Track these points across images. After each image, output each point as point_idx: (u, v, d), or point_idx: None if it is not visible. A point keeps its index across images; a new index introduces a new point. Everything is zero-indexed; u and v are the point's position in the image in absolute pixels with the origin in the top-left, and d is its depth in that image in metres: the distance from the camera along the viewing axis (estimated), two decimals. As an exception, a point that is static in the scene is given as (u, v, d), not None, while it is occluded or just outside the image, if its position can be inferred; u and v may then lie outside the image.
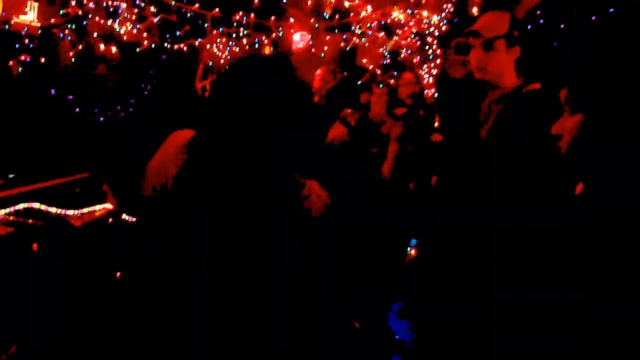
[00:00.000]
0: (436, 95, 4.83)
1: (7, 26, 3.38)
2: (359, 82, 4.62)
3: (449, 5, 3.72)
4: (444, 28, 3.94)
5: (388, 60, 4.50)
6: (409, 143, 3.31)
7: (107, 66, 4.47)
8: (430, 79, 4.85)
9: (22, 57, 3.63)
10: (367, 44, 4.28)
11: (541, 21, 3.46)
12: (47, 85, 4.34)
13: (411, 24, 4.23)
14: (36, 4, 3.55)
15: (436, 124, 4.46)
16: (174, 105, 5.06)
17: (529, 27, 3.50)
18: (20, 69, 3.78)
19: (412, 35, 4.28)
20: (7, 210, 2.75)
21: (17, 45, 3.62)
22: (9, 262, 2.48)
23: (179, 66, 4.82)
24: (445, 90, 4.62)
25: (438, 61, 4.51)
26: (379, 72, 4.32)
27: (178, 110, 5.12)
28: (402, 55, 4.46)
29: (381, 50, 4.44)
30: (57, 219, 2.94)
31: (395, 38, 4.39)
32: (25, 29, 3.54)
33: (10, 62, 3.80)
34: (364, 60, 4.53)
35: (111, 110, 4.69)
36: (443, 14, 3.88)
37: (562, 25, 3.37)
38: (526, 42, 1.75)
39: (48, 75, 4.17)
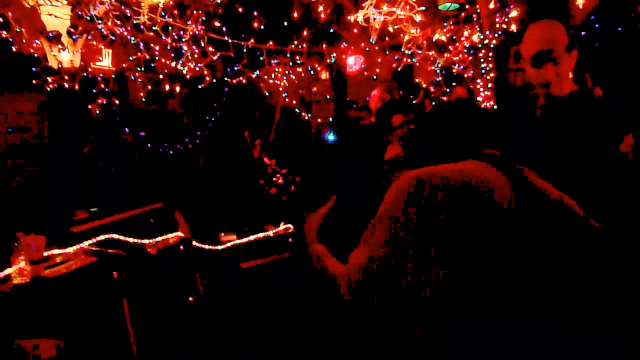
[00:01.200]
0: (495, 107, 4.74)
1: (85, 73, 3.70)
2: (414, 100, 4.64)
3: (501, 19, 3.68)
4: (495, 42, 3.90)
5: (440, 78, 4.49)
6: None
7: (175, 103, 4.79)
8: (487, 92, 4.77)
9: (100, 100, 3.97)
10: (418, 63, 4.30)
11: (597, 25, 3.34)
12: (122, 124, 4.70)
13: (462, 39, 4.21)
14: (110, 51, 3.86)
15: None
16: (236, 136, 5.29)
17: (582, 33, 3.39)
18: (98, 111, 4.13)
19: (465, 50, 4.25)
20: (90, 241, 2.99)
21: (94, 90, 3.97)
22: (95, 288, 2.69)
23: (240, 98, 5.06)
24: (504, 102, 4.53)
25: (492, 74, 4.45)
26: (432, 89, 4.33)
27: (240, 140, 5.35)
28: (454, 71, 4.43)
29: (433, 67, 4.44)
30: (135, 248, 3.15)
31: (447, 55, 4.38)
32: (101, 75, 3.87)
33: (90, 105, 4.16)
34: (417, 79, 4.55)
35: (179, 143, 4.99)
36: (495, 26, 3.85)
37: (618, 29, 3.23)
38: (582, 48, 1.70)
39: (122, 115, 4.52)
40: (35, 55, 3.22)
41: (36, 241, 2.53)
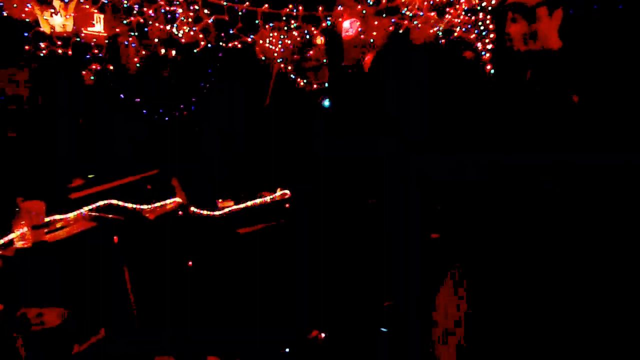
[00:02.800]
0: (492, 71, 4.72)
1: (78, 38, 3.64)
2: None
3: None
4: (493, 2, 3.84)
5: (443, 41, 4.43)
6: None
7: (169, 68, 4.73)
8: (487, 54, 4.74)
9: (94, 66, 3.92)
10: (419, 26, 4.24)
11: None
12: (117, 90, 4.65)
13: (462, 0, 4.15)
14: (102, 16, 3.79)
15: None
16: (232, 103, 5.26)
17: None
18: (91, 77, 4.08)
19: (464, 12, 4.19)
20: (90, 207, 3.02)
21: (87, 56, 3.91)
22: (96, 252, 2.73)
23: (235, 63, 5.00)
24: (503, 65, 4.50)
25: (492, 36, 4.40)
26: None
27: (237, 107, 5.33)
28: (455, 34, 4.38)
29: (435, 29, 4.38)
30: (133, 214, 3.19)
31: (448, 17, 4.32)
32: (94, 40, 3.81)
33: (83, 72, 4.11)
34: (417, 42, 4.49)
35: (175, 109, 4.96)
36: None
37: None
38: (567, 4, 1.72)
39: (116, 81, 4.47)
40: (27, 20, 3.16)
41: (36, 207, 2.55)
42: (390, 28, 4.12)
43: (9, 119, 4.59)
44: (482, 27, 4.23)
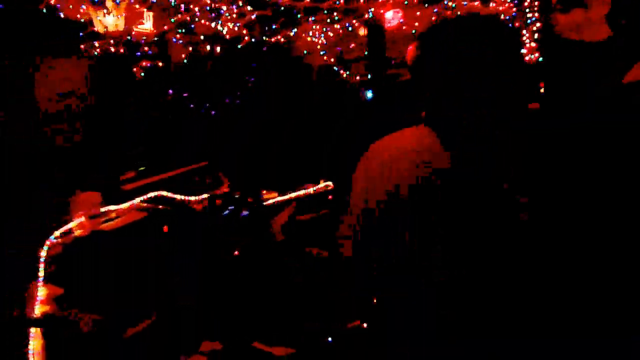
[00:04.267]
0: (540, 59, 4.59)
1: (129, 37, 3.81)
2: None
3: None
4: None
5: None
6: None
7: (214, 63, 4.87)
8: (532, 44, 4.60)
9: (144, 63, 4.09)
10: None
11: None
12: (165, 85, 4.83)
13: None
14: (151, 14, 3.94)
15: (541, 90, 4.25)
16: (275, 95, 5.34)
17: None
18: (142, 74, 4.27)
19: (509, 0, 4.10)
20: (141, 198, 3.16)
21: (138, 53, 4.09)
22: (147, 241, 2.87)
23: (278, 56, 5.08)
24: (550, 54, 4.36)
25: (538, 25, 4.27)
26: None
27: (281, 100, 5.41)
28: (499, 22, 4.28)
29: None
30: (182, 205, 3.31)
31: (492, 5, 4.23)
32: (144, 38, 3.97)
33: (134, 68, 4.30)
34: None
35: (220, 103, 5.10)
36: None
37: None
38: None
39: (165, 77, 4.65)
40: (82, 20, 3.34)
41: (92, 197, 2.70)
42: (433, 18, 4.08)
43: (65, 114, 4.85)
44: (528, 15, 4.13)
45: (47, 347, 2.41)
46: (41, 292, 2.43)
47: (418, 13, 3.99)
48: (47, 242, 2.53)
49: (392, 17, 4.48)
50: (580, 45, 1.72)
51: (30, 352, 2.38)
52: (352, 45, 4.86)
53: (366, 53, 4.93)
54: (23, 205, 3.45)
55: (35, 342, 2.40)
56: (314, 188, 4.61)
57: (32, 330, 2.44)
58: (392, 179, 1.21)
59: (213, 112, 5.14)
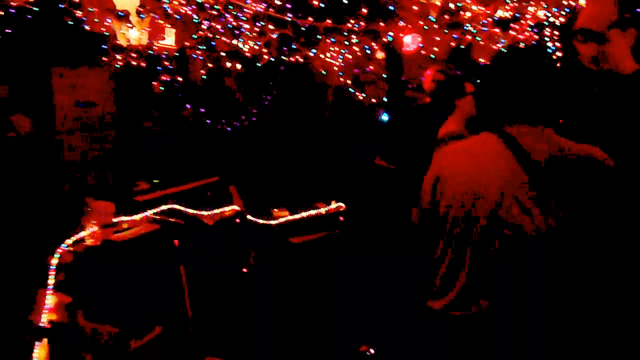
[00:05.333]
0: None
1: (150, 51, 3.87)
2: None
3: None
4: (562, 19, 3.74)
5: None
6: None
7: (233, 80, 4.92)
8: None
9: (164, 77, 4.15)
10: (482, 41, 4.19)
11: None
12: (183, 100, 4.88)
13: (528, 16, 4.06)
14: (173, 30, 4.00)
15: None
16: (291, 114, 5.38)
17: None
18: (161, 88, 4.32)
19: (529, 28, 4.10)
20: (153, 210, 3.17)
21: (158, 67, 4.15)
22: (157, 254, 2.86)
23: (296, 75, 5.13)
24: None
25: (559, 54, 4.26)
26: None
27: (295, 118, 5.44)
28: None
29: (498, 45, 4.30)
30: (193, 219, 3.31)
31: (512, 33, 4.24)
32: (165, 52, 4.03)
33: (154, 82, 4.36)
34: (480, 59, 4.42)
35: (237, 120, 5.14)
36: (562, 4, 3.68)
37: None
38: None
39: (183, 92, 4.71)
40: (106, 33, 3.40)
41: (106, 207, 2.71)
42: (452, 44, 4.09)
43: (84, 123, 4.92)
44: (549, 44, 4.12)
45: (52, 356, 2.40)
46: (50, 300, 2.43)
47: (437, 38, 4.00)
48: (59, 250, 2.54)
49: (410, 41, 4.51)
50: (601, 75, 1.71)
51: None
52: (370, 67, 4.88)
53: (384, 76, 4.95)
54: (37, 212, 3.48)
55: (40, 350, 2.39)
56: (326, 208, 4.59)
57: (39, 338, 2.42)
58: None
59: (229, 128, 5.18)
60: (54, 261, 2.49)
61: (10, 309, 2.62)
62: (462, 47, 4.27)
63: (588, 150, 1.44)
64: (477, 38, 4.10)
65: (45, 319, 2.42)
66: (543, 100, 1.47)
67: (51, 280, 2.46)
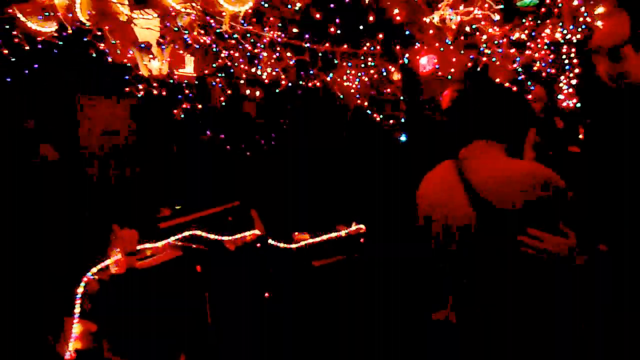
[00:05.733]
0: (579, 105, 4.53)
1: (171, 80, 3.96)
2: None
3: (584, 13, 3.51)
4: (579, 36, 3.72)
5: (523, 77, 4.33)
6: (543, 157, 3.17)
7: (253, 106, 5.00)
8: (570, 89, 4.56)
9: (184, 105, 4.23)
10: (498, 62, 4.19)
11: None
12: (203, 126, 4.97)
13: (543, 35, 4.06)
14: (193, 59, 4.09)
15: (580, 136, 4.17)
16: (310, 137, 5.42)
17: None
18: (182, 115, 4.41)
19: (545, 47, 4.09)
20: (176, 237, 3.21)
21: (179, 96, 4.24)
22: (181, 280, 2.88)
23: (314, 99, 5.18)
24: (589, 100, 4.31)
25: (577, 70, 4.23)
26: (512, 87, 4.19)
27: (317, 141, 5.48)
28: (535, 68, 4.27)
29: (514, 65, 4.30)
30: (215, 244, 3.34)
31: (528, 52, 4.23)
32: (186, 81, 4.12)
33: (175, 110, 4.45)
34: (497, 79, 4.42)
35: (256, 144, 5.19)
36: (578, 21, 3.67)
37: None
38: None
39: (204, 118, 4.79)
40: (128, 64, 3.49)
41: (130, 235, 2.75)
42: (469, 64, 4.10)
43: (106, 151, 5.03)
44: (565, 61, 4.10)
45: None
46: (76, 328, 2.46)
47: (454, 59, 4.02)
48: (84, 279, 2.57)
49: (427, 63, 4.53)
50: (620, 92, 1.71)
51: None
52: (387, 90, 4.91)
53: (401, 98, 4.97)
54: (62, 240, 3.55)
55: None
56: (346, 230, 4.58)
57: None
58: None
59: (248, 153, 5.23)
60: (80, 289, 2.53)
61: (36, 337, 2.65)
62: (479, 68, 4.27)
63: (525, 170, 1.58)
64: (493, 59, 4.10)
65: (71, 347, 2.45)
66: (501, 119, 1.73)
67: (77, 309, 2.50)
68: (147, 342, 2.57)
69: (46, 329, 2.62)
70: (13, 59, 3.26)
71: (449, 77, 4.14)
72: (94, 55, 3.37)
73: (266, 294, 3.49)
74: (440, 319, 1.86)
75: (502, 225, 1.51)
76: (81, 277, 2.61)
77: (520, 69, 4.12)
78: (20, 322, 2.70)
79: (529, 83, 4.15)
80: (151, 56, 3.20)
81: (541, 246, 1.45)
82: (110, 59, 3.46)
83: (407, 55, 4.19)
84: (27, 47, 3.10)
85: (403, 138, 5.41)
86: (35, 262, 3.25)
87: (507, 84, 4.25)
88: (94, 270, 2.59)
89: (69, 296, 2.56)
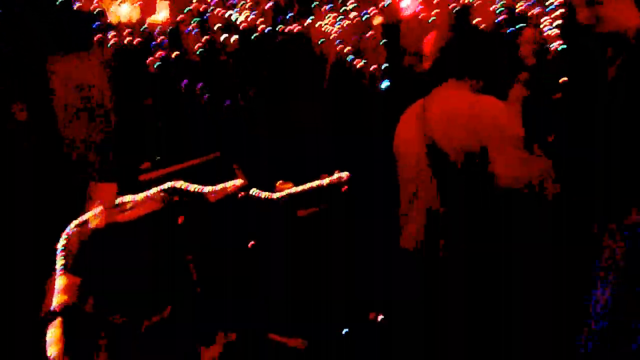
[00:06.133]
0: (561, 48, 4.48)
1: (142, 28, 3.80)
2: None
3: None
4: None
5: (503, 17, 4.24)
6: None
7: (228, 54, 4.84)
8: (553, 31, 4.50)
9: (158, 54, 4.08)
10: (479, 1, 4.09)
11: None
12: (179, 76, 4.82)
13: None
14: (166, 3, 3.92)
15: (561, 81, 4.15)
16: (289, 87, 5.31)
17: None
18: (155, 65, 4.26)
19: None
20: (155, 189, 3.16)
21: (152, 44, 4.08)
22: (162, 232, 2.87)
23: (292, 47, 5.04)
24: (573, 42, 4.26)
25: (562, 10, 4.16)
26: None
27: (295, 90, 5.37)
28: (518, 9, 4.18)
29: (496, 5, 4.21)
30: (196, 195, 3.31)
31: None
32: (158, 28, 3.96)
33: (148, 60, 4.30)
34: (479, 19, 4.32)
35: (234, 96, 5.08)
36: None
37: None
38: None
39: (179, 68, 4.64)
40: (97, 11, 3.33)
41: (108, 188, 2.71)
42: (450, 6, 4.00)
43: (82, 107, 4.88)
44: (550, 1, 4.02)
45: (66, 335, 2.43)
46: (59, 282, 2.45)
47: (435, 1, 3.91)
48: (64, 234, 2.54)
49: (408, 6, 4.41)
50: (602, 36, 1.68)
51: (49, 340, 2.40)
52: (367, 34, 4.79)
53: (381, 42, 4.86)
54: (40, 198, 3.49)
55: (54, 330, 2.42)
56: (329, 179, 4.57)
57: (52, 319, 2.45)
58: None
59: (226, 103, 5.12)
60: (60, 245, 2.50)
61: (22, 296, 2.65)
62: (461, 9, 4.17)
63: (481, 103, 1.66)
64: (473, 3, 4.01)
65: (56, 300, 2.45)
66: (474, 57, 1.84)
67: (59, 264, 2.48)
68: (131, 294, 2.58)
69: (32, 288, 2.61)
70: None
71: (430, 20, 4.05)
72: (57, 2, 3.20)
73: (249, 244, 3.51)
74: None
75: (444, 161, 1.56)
76: (60, 234, 2.58)
77: (502, 9, 4.03)
78: None
79: (517, 26, 4.07)
80: (120, 1, 3.05)
81: None
82: (75, 7, 3.30)
83: (387, -3, 4.06)
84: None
85: (384, 85, 5.33)
86: (15, 222, 3.19)
87: (493, 27, 4.18)
88: (73, 225, 2.55)
89: (52, 254, 2.54)
